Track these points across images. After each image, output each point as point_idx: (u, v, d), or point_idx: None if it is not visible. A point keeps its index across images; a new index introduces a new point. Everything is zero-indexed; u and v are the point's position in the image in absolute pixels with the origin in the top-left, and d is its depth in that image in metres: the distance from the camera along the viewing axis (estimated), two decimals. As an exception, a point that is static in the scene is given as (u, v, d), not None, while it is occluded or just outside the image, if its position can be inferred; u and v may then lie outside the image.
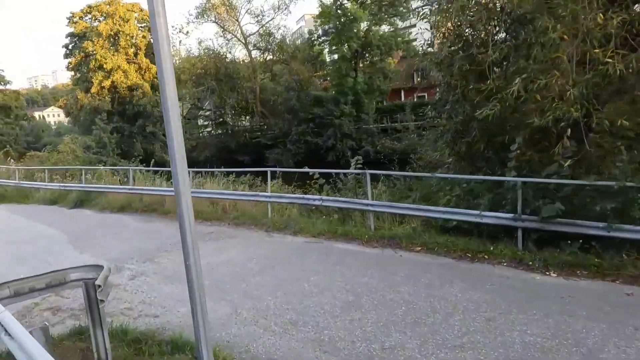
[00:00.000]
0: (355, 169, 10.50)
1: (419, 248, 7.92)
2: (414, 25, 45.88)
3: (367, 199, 9.15)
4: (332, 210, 10.03)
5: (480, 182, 8.41)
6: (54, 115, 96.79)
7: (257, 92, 44.49)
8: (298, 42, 49.48)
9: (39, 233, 10.98)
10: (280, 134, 45.32)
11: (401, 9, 44.62)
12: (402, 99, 51.15)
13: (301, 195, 10.23)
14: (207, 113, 50.96)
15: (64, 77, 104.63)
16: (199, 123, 54.76)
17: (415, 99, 50.03)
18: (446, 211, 8.05)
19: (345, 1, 44.27)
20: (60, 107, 44.47)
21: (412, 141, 41.49)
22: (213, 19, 44.86)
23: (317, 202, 9.64)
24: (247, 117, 48.04)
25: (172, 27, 40.43)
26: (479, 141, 9.90)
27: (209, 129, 53.36)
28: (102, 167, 16.56)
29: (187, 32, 41.76)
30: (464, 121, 10.67)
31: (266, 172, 11.29)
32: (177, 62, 46.15)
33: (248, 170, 12.39)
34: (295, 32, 63.63)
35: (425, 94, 50.36)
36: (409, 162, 40.59)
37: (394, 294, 5.95)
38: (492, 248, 7.39)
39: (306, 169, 11.12)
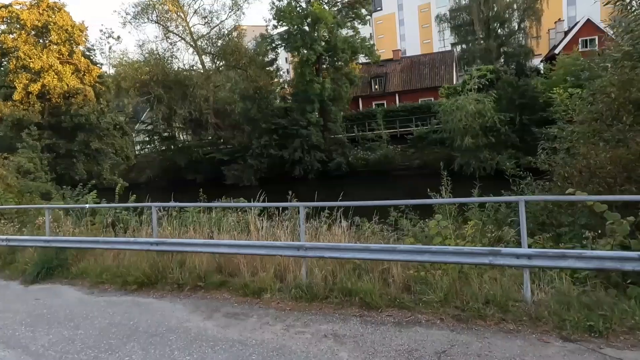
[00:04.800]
0: None
1: None
2: (358, 32, 42.11)
3: None
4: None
5: None
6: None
7: (211, 102, 37.74)
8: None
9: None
10: (239, 148, 38.95)
11: (362, 10, 40.79)
12: (360, 107, 47.06)
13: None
14: (149, 127, 42.89)
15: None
16: (137, 139, 46.33)
17: (373, 107, 46.19)
18: None
19: (302, 3, 39.37)
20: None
21: (386, 151, 37.39)
22: (155, 18, 37.49)
23: None
24: (199, 130, 40.85)
25: (100, 31, 32.86)
26: None
27: (149, 145, 45.17)
28: (100, 205, 9.60)
29: (119, 37, 34.11)
30: None
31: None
32: (112, 69, 38.06)
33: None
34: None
35: (384, 102, 46.86)
36: (387, 173, 36.28)
37: None
38: None
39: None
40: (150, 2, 36.44)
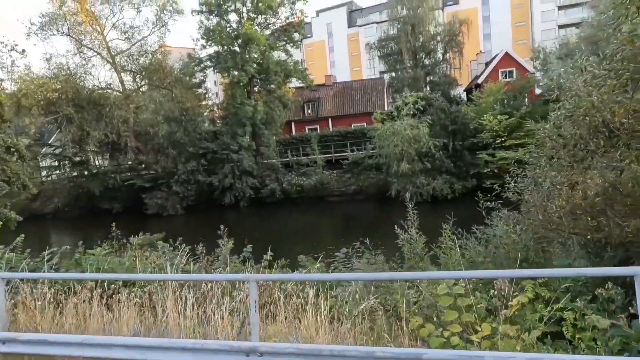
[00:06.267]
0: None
1: None
2: (291, 55, 40.79)
3: None
4: None
5: None
6: None
7: (131, 123, 33.81)
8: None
9: None
10: (163, 174, 35.14)
11: (295, 34, 39.43)
12: (293, 131, 45.25)
13: None
14: (57, 150, 37.67)
15: None
16: (44, 164, 40.61)
17: (306, 131, 44.66)
18: None
19: (233, 24, 37.24)
20: None
21: (322, 177, 35.58)
22: (66, 31, 33.17)
23: None
24: (117, 155, 36.44)
25: (1, 42, 28.11)
26: None
27: (58, 171, 39.64)
28: None
29: (24, 50, 29.12)
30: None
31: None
32: (13, 85, 32.84)
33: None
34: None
35: (317, 126, 45.52)
36: (322, 199, 34.38)
37: None
38: None
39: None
40: (60, 13, 32.15)
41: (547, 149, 9.50)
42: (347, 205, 33.68)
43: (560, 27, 60.15)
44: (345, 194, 34.80)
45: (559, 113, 9.58)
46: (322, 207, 34.02)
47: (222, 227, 12.76)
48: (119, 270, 8.75)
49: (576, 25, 56.75)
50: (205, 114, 40.40)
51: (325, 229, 29.15)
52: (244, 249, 8.41)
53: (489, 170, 29.70)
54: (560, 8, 61.09)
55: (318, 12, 77.21)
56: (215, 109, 41.43)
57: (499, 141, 30.17)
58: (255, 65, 35.42)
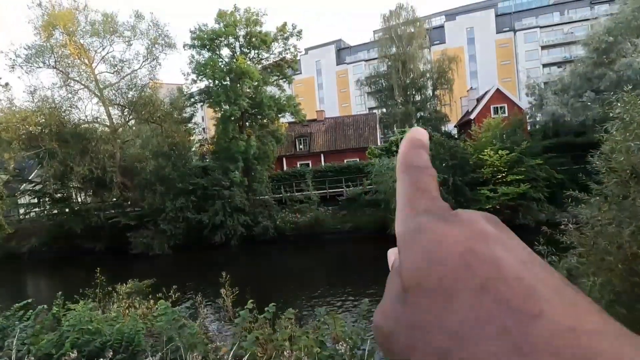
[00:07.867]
0: None
1: None
2: (284, 90, 40.21)
3: None
4: None
5: None
6: None
7: (117, 158, 32.20)
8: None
9: None
10: (150, 211, 33.22)
11: (288, 69, 38.94)
12: (284, 167, 44.19)
13: None
14: (37, 187, 35.63)
15: None
16: (23, 201, 38.32)
17: (298, 167, 43.70)
18: None
19: (225, 59, 36.63)
20: None
21: (317, 214, 34.19)
22: (52, 63, 31.95)
23: None
24: (102, 191, 34.58)
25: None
26: None
27: (38, 208, 37.39)
28: None
29: (7, 83, 28.13)
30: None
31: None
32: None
33: None
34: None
35: (309, 162, 44.60)
36: (316, 237, 32.75)
37: None
38: None
39: None
40: (48, 45, 31.02)
41: (612, 186, 8.28)
42: (344, 243, 32.15)
43: (544, 65, 61.54)
44: (342, 231, 33.30)
45: (632, 145, 8.44)
46: (318, 246, 32.40)
47: (224, 274, 11.11)
48: (106, 330, 7.20)
49: (559, 64, 58.17)
50: (194, 149, 39.13)
51: (324, 270, 27.47)
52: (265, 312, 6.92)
53: (490, 206, 28.81)
54: (543, 48, 62.74)
55: (307, 50, 78.09)
56: (205, 144, 40.18)
57: (499, 176, 29.48)
58: (247, 100, 34.54)
